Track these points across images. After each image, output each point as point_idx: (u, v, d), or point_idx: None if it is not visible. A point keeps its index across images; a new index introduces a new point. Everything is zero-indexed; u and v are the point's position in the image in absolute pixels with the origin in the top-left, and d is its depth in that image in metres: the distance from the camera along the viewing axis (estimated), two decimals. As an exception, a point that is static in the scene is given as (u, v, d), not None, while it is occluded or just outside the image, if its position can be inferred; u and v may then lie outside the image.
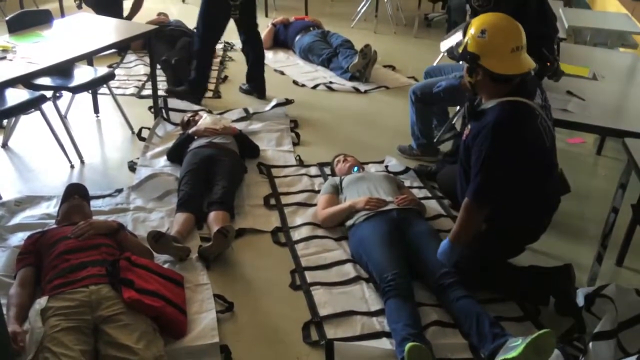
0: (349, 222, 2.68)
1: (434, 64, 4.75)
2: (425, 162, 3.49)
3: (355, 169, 3.08)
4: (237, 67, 5.07)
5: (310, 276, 2.47)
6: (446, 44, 2.78)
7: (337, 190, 2.92)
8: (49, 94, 3.26)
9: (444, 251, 2.29)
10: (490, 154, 2.09)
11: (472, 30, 2.14)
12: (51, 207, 2.82)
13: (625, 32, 4.05)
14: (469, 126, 2.26)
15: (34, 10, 3.73)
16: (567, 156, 3.43)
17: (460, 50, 2.21)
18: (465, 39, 2.17)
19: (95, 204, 2.83)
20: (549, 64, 2.66)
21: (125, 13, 5.29)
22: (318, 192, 3.08)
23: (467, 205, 2.21)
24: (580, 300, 2.12)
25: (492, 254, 2.33)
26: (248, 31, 4.27)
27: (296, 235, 2.75)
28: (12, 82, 2.75)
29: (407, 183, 3.20)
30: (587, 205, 3.12)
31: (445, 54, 2.48)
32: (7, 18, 3.34)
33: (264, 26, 5.68)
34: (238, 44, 5.54)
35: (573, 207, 2.91)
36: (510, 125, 2.09)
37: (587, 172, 3.60)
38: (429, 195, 3.14)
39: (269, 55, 5.38)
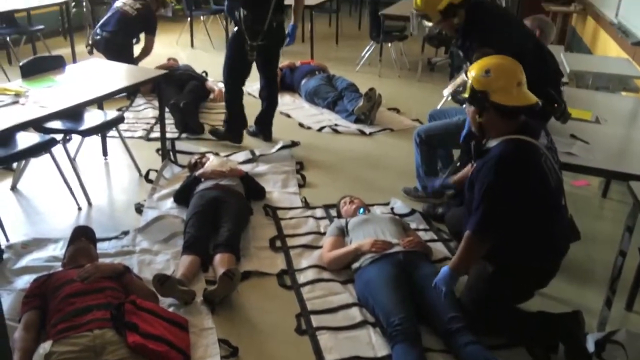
0: (355, 265, 2.67)
1: (438, 107, 4.83)
2: (431, 204, 3.50)
3: (361, 210, 3.09)
4: (244, 110, 5.14)
5: (316, 320, 2.44)
6: (449, 89, 2.83)
7: (343, 233, 2.92)
8: (59, 137, 3.31)
9: (443, 278, 2.28)
10: (492, 186, 2.11)
11: (473, 73, 2.21)
12: (58, 250, 2.83)
13: (626, 77, 4.10)
14: (474, 164, 2.29)
15: (47, 56, 3.84)
16: (572, 199, 3.42)
17: (466, 95, 2.26)
18: (469, 82, 2.22)
19: (101, 247, 2.84)
20: (556, 105, 2.70)
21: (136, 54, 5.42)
22: (324, 234, 3.08)
23: (468, 238, 2.21)
24: (590, 346, 2.09)
25: (500, 298, 2.31)
26: (267, 76, 4.39)
27: (302, 278, 2.74)
28: (24, 126, 2.80)
29: (413, 225, 3.19)
30: (594, 249, 3.10)
31: (449, 97, 2.52)
32: (20, 63, 3.43)
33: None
34: (245, 88, 5.67)
35: (580, 250, 2.89)
36: (514, 159, 2.12)
37: (593, 215, 3.59)
38: (435, 237, 3.13)
39: (275, 98, 5.48)
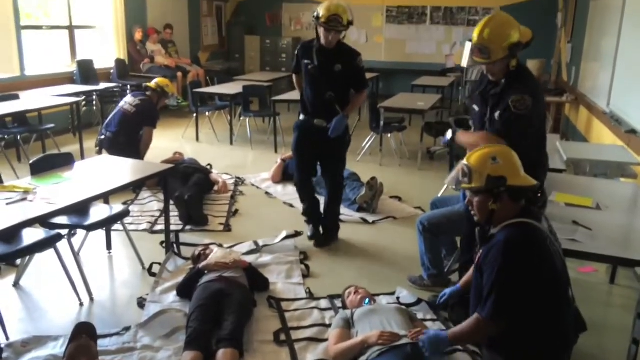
0: (363, 358, 2.59)
1: (439, 195, 4.88)
2: (437, 292, 3.45)
3: (367, 301, 3.05)
4: (248, 201, 5.21)
5: (323, 419, 2.34)
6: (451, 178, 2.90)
7: (348, 324, 2.86)
8: (64, 231, 3.34)
9: (435, 341, 2.27)
10: (503, 270, 2.08)
11: (477, 165, 2.21)
12: (57, 348, 2.77)
13: (623, 163, 4.17)
14: (480, 251, 2.27)
15: (56, 154, 3.94)
16: (580, 286, 3.39)
17: (475, 184, 2.23)
18: (476, 174, 2.21)
19: (102, 344, 2.78)
20: (540, 194, 2.73)
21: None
22: (329, 326, 3.02)
23: (479, 322, 2.15)
24: None
25: None
26: (329, 178, 4.26)
27: (308, 373, 2.66)
28: (30, 223, 2.83)
29: (420, 315, 3.14)
30: (605, 338, 3.02)
31: (453, 187, 2.54)
32: (31, 161, 3.52)
33: (274, 161, 5.95)
34: (249, 179, 5.79)
35: (591, 340, 2.82)
36: (522, 242, 2.11)
37: (602, 302, 3.52)
38: (443, 328, 3.06)
39: (278, 188, 5.57)
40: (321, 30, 3.79)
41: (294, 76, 4.24)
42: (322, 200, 4.37)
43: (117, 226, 4.04)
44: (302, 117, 4.11)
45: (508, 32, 2.78)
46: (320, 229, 4.29)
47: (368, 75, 9.84)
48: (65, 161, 3.66)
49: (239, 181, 5.75)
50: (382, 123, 6.55)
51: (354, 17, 3.81)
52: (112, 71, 8.57)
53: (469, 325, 2.21)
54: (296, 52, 4.09)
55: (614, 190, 3.50)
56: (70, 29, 8.07)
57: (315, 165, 4.26)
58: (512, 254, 2.09)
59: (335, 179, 4.25)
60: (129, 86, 8.03)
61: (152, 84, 5.73)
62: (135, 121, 5.45)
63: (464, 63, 6.06)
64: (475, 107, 3.10)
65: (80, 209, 3.47)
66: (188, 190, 4.83)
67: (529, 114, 2.78)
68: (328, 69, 3.86)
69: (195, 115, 7.69)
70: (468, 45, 2.99)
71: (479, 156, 2.26)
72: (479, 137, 2.93)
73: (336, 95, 3.90)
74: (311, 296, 3.43)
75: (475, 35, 2.85)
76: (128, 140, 5.40)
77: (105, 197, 3.82)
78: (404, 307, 3.12)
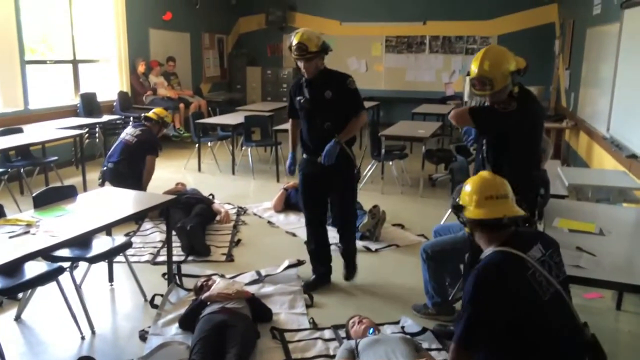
0: (367, 391, 2.56)
1: (442, 222, 4.87)
2: (442, 321, 3.42)
3: (371, 331, 3.01)
4: (250, 230, 5.21)
5: None
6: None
7: (353, 355, 2.83)
8: (66, 264, 3.32)
9: None
10: (472, 298, 2.07)
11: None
12: (58, 382, 2.73)
13: (625, 189, 4.17)
14: None
15: (59, 186, 3.95)
16: (586, 312, 3.34)
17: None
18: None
19: (103, 378, 2.75)
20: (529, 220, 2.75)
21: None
22: (333, 357, 2.98)
23: (452, 350, 2.14)
24: None
25: None
26: (338, 216, 4.07)
27: (312, 406, 2.61)
28: (33, 256, 2.83)
29: (425, 345, 3.10)
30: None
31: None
32: (34, 194, 3.53)
33: (276, 190, 5.96)
34: (251, 209, 5.79)
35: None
36: (491, 271, 2.08)
37: (610, 329, 3.48)
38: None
39: (280, 217, 5.57)
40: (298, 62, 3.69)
41: (289, 121, 4.07)
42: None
43: (119, 258, 4.03)
44: (304, 156, 3.93)
45: (507, 61, 2.86)
46: (319, 271, 4.05)
47: (369, 104, 10.08)
48: (67, 194, 3.67)
49: (241, 211, 5.75)
50: (383, 151, 6.58)
51: (324, 43, 3.62)
52: (115, 103, 8.67)
53: (450, 351, 2.18)
54: (289, 94, 3.97)
55: (617, 216, 3.49)
56: (74, 63, 8.19)
57: (325, 205, 4.03)
58: (481, 282, 2.07)
59: (344, 217, 4.05)
60: (131, 118, 8.09)
61: (152, 114, 5.79)
62: (137, 151, 5.49)
63: (465, 97, 6.13)
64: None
65: (82, 242, 3.46)
66: (190, 220, 4.83)
67: (506, 116, 2.87)
68: (319, 99, 3.72)
69: (197, 145, 7.73)
70: (467, 78, 2.96)
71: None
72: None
73: (334, 124, 3.72)
74: (315, 326, 3.39)
75: (474, 68, 2.89)
76: (130, 170, 5.43)
77: (108, 229, 3.82)
78: (408, 336, 3.09)
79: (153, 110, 5.86)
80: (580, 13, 7.89)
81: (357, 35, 11.53)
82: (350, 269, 4.12)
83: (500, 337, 2.08)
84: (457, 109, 2.98)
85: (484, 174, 2.32)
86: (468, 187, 2.25)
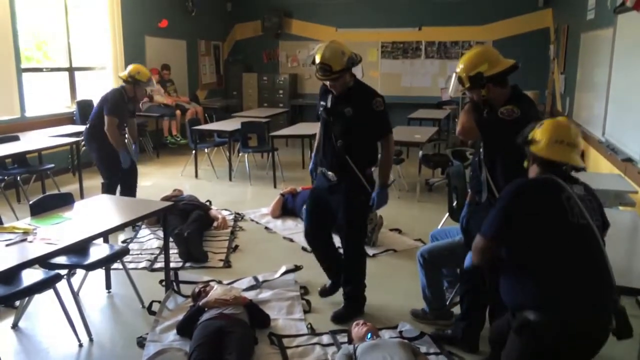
0: (366, 395, 2.56)
1: (439, 226, 4.88)
2: (440, 326, 3.43)
3: (369, 336, 3.02)
4: (248, 236, 5.21)
5: None
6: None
7: (351, 360, 2.83)
8: (63, 271, 3.32)
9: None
10: (504, 199, 2.24)
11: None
12: (56, 390, 2.73)
13: (621, 192, 4.19)
14: None
15: (56, 193, 3.95)
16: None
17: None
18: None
19: (101, 385, 2.74)
20: None
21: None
22: (331, 362, 2.98)
23: (476, 239, 2.29)
24: None
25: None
26: (342, 244, 3.64)
27: (311, 412, 2.61)
28: (30, 264, 2.82)
29: (423, 349, 3.10)
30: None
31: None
32: (30, 202, 3.53)
33: (273, 196, 5.96)
34: (248, 214, 5.79)
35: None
36: (530, 183, 2.28)
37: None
38: (447, 362, 3.03)
39: (277, 223, 5.57)
40: None
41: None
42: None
43: (117, 264, 4.03)
44: (319, 167, 3.60)
45: (475, 62, 2.83)
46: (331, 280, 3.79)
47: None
48: (64, 201, 3.67)
49: (239, 217, 5.75)
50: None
51: (355, 56, 3.30)
52: (111, 111, 8.64)
53: (474, 243, 2.31)
54: (319, 93, 3.56)
55: (613, 219, 3.46)
56: (70, 70, 8.19)
57: (327, 224, 3.66)
58: (518, 190, 2.22)
59: (347, 248, 3.57)
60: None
61: (123, 74, 5.49)
62: (98, 111, 5.31)
63: (450, 92, 6.13)
64: None
65: (79, 249, 3.46)
66: (187, 227, 4.82)
67: (513, 124, 2.80)
68: (338, 113, 3.34)
69: (194, 152, 7.74)
70: (454, 74, 2.89)
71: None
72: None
73: (347, 144, 3.34)
74: (313, 332, 3.39)
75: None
76: (95, 131, 5.27)
77: (105, 236, 3.82)
78: (406, 341, 3.09)
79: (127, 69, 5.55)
80: (574, 18, 7.94)
81: (353, 41, 11.54)
82: (345, 311, 3.60)
83: (522, 257, 2.16)
84: (464, 124, 2.97)
85: (562, 119, 2.43)
86: (544, 125, 2.33)
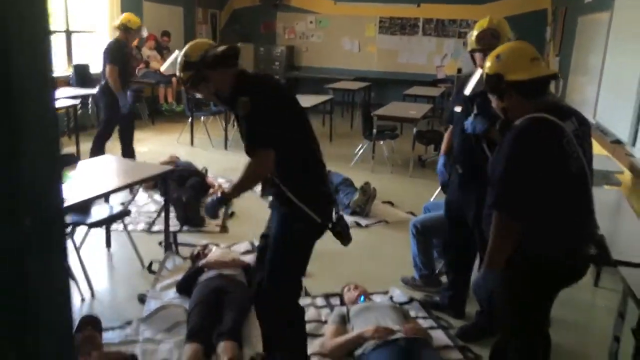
0: (358, 352, 2.70)
1: (431, 199, 5.02)
2: (428, 292, 3.58)
3: (362, 298, 3.16)
4: (243, 203, 5.29)
5: (320, 408, 2.44)
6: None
7: (344, 320, 2.97)
8: (67, 229, 3.41)
9: (478, 283, 2.28)
10: (512, 158, 2.06)
11: (487, 64, 2.23)
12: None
13: (608, 172, 4.33)
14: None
15: (62, 154, 4.01)
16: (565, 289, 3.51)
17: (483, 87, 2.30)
18: (483, 73, 2.28)
19: (105, 336, 2.86)
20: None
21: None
22: (325, 322, 3.12)
23: (494, 219, 2.10)
24: None
25: (523, 290, 2.18)
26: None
27: (305, 366, 2.75)
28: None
29: (412, 313, 3.25)
30: (589, 337, 3.16)
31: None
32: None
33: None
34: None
35: (575, 339, 2.95)
36: (532, 131, 2.07)
37: (586, 304, 3.66)
38: (435, 325, 3.18)
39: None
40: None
41: None
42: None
43: (115, 226, 4.12)
44: None
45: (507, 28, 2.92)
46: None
47: (359, 85, 10.13)
48: (68, 161, 3.75)
49: (234, 185, 5.83)
50: (374, 131, 6.69)
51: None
52: (107, 75, 8.63)
53: (491, 232, 2.13)
54: None
55: (599, 197, 3.61)
56: (68, 33, 8.15)
57: None
58: (522, 142, 2.06)
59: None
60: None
61: (116, 23, 5.66)
62: (103, 62, 5.55)
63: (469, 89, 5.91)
64: (457, 109, 3.10)
65: (81, 207, 3.54)
66: (185, 192, 4.91)
67: None
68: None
69: (190, 120, 7.78)
70: (463, 56, 2.76)
71: (489, 58, 2.25)
72: None
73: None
74: (307, 294, 3.53)
75: (484, 24, 2.91)
76: (104, 83, 5.55)
77: (107, 197, 3.91)
78: (397, 305, 3.23)
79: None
80: (572, 1, 8.00)
81: (351, 15, 11.54)
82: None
83: (534, 203, 2.06)
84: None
85: (517, 42, 2.32)
86: (507, 53, 2.18)
